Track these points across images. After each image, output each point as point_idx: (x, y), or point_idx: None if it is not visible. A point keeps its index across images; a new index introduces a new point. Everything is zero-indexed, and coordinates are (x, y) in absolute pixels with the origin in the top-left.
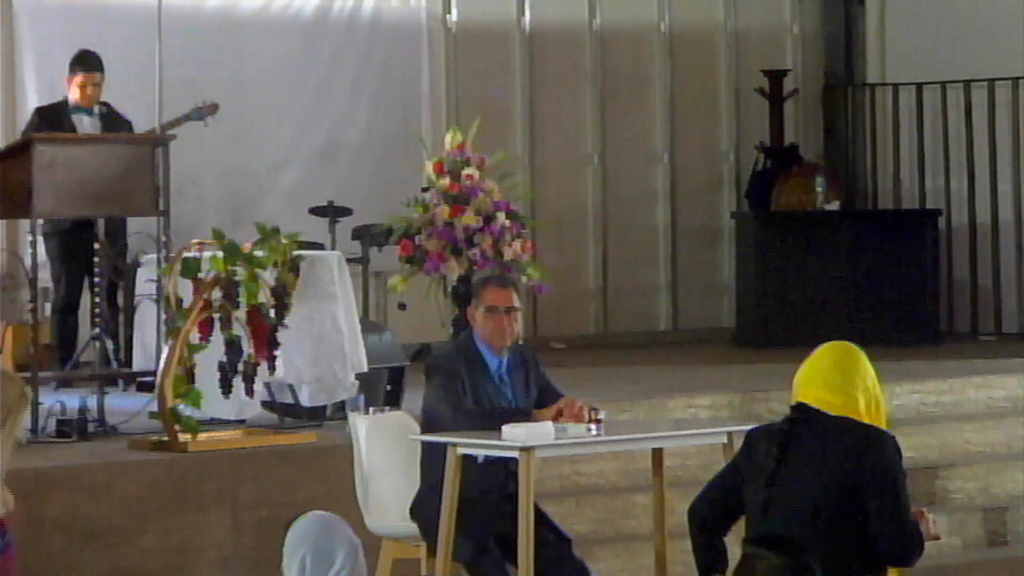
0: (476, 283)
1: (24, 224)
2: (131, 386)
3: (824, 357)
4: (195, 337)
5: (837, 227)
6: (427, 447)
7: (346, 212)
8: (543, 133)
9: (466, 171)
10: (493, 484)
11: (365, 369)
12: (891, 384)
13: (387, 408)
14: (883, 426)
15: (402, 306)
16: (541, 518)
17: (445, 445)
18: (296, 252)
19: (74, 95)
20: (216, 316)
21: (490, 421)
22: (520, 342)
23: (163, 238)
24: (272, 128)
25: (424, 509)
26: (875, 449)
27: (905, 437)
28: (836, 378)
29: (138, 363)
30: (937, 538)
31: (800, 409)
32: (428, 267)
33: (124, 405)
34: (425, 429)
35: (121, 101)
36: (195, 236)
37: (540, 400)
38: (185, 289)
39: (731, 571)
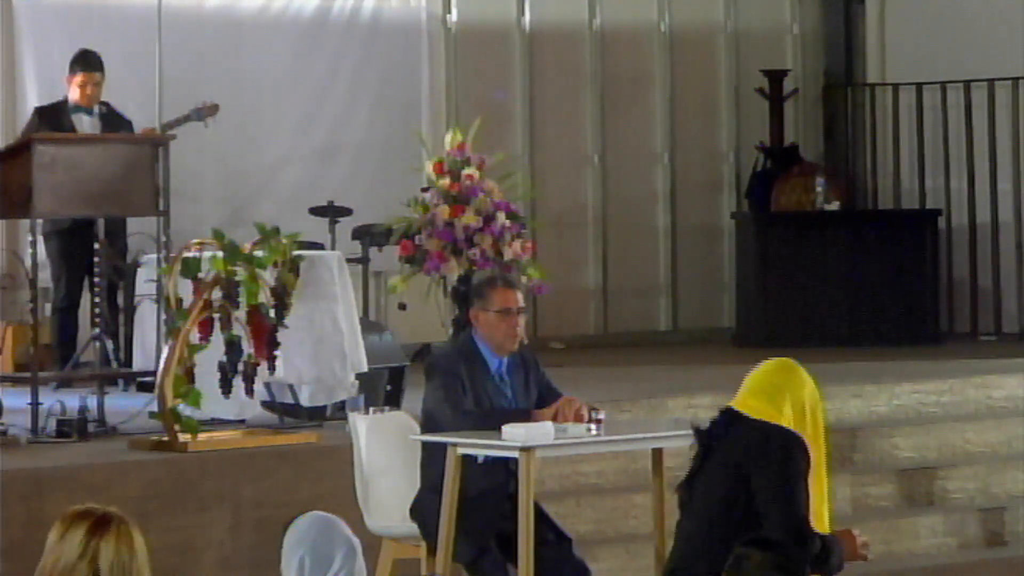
0: (479, 284)
1: (24, 224)
2: (131, 386)
3: (760, 369)
4: (195, 337)
5: (837, 227)
6: (427, 447)
7: (346, 212)
8: (543, 133)
9: (466, 171)
10: (493, 484)
11: (365, 369)
12: (891, 384)
13: (387, 408)
14: (818, 435)
15: (402, 306)
16: (542, 517)
17: (445, 445)
18: (296, 252)
19: (74, 95)
20: (216, 316)
21: (490, 421)
22: (525, 342)
23: (163, 238)
24: (272, 128)
25: (424, 509)
26: (770, 444)
27: (905, 437)
28: (763, 386)
29: (138, 363)
30: (864, 558)
31: (725, 412)
32: (428, 267)
33: (124, 405)
34: (425, 429)
35: (121, 101)
36: (195, 236)
37: (540, 400)
38: (185, 289)
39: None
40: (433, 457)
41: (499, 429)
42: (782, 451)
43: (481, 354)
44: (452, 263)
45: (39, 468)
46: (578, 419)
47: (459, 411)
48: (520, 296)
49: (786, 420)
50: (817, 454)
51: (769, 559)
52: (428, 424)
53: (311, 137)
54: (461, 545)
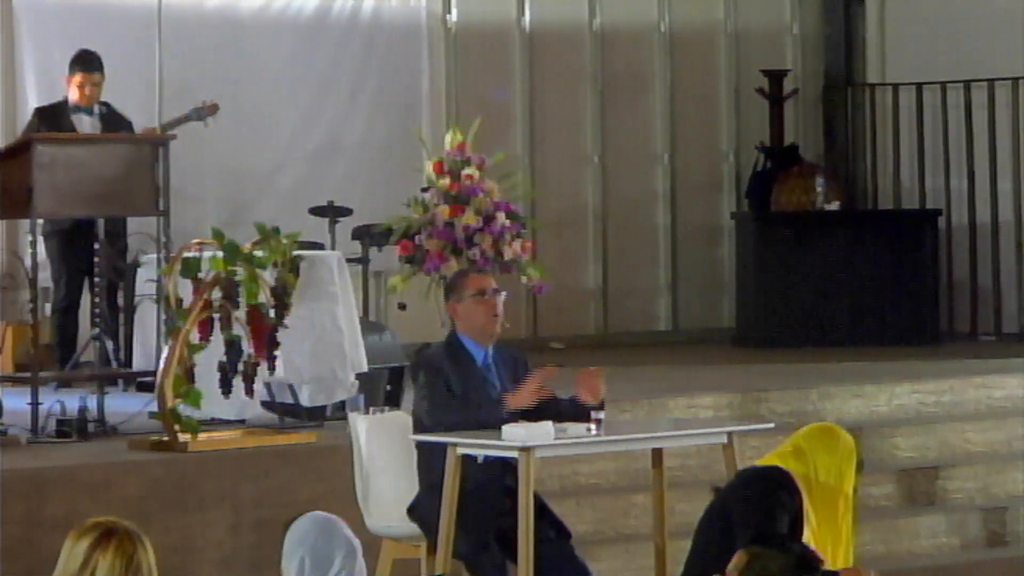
0: (451, 280)
1: (24, 224)
2: (131, 386)
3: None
4: (195, 337)
5: (837, 227)
6: (423, 448)
7: (346, 212)
8: (543, 133)
9: (466, 171)
10: (491, 477)
11: (365, 369)
12: (891, 384)
13: (387, 408)
14: (849, 510)
15: (402, 306)
16: (542, 512)
17: (441, 445)
18: (296, 252)
19: (73, 95)
20: (216, 316)
21: (468, 413)
22: (507, 325)
23: (163, 238)
24: (272, 128)
25: (423, 508)
26: (748, 477)
27: (905, 437)
28: (784, 446)
29: (138, 363)
30: None
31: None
32: (428, 267)
33: (124, 405)
34: (416, 429)
35: (121, 101)
36: (195, 236)
37: None
38: (185, 289)
39: (733, 571)
40: (431, 457)
41: (481, 422)
42: (754, 480)
43: (465, 347)
44: (452, 263)
45: (39, 468)
46: (593, 388)
47: (436, 406)
48: (492, 280)
49: (815, 479)
50: (831, 508)
51: (791, 561)
52: (416, 425)
53: (311, 137)
54: (461, 541)
